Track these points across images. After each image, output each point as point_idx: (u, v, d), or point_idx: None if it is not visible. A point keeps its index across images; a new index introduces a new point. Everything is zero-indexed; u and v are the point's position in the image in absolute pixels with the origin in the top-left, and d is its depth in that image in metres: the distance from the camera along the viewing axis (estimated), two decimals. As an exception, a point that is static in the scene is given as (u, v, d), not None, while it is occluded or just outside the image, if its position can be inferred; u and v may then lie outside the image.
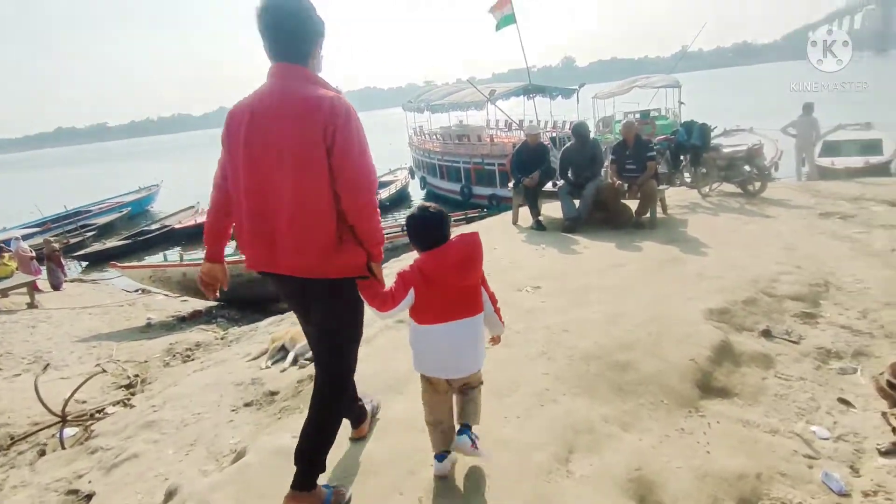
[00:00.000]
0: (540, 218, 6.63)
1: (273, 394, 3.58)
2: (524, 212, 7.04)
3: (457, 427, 2.08)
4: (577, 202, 6.53)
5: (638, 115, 19.07)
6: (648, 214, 6.27)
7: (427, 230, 2.02)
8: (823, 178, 11.97)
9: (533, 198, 6.64)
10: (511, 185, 7.06)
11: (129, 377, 5.21)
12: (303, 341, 4.19)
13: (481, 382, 2.15)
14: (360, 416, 2.41)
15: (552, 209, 7.07)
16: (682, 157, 8.41)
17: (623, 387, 2.72)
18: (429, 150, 20.03)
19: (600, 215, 6.60)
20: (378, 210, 1.95)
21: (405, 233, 2.27)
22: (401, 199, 21.05)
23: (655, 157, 6.50)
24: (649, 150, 6.34)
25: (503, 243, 6.00)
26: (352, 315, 2.06)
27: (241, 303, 9.07)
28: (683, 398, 2.68)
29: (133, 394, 4.69)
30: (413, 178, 22.56)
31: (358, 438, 2.42)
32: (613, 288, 4.10)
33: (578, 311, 3.63)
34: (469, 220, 11.81)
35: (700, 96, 21.37)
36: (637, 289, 4.04)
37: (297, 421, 3.03)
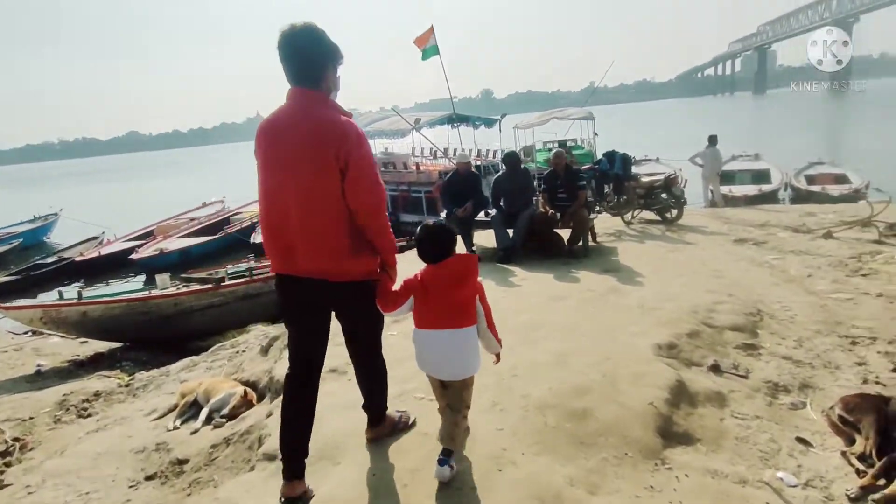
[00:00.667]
0: (473, 248, 6.40)
1: (181, 462, 3.03)
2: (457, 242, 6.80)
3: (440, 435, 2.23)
4: (510, 232, 6.36)
5: (556, 145, 19.66)
6: (581, 243, 6.20)
7: (433, 245, 2.19)
8: (726, 205, 12.71)
9: (466, 228, 6.40)
10: (443, 215, 6.80)
11: (5, 442, 4.35)
12: (219, 394, 3.65)
13: (467, 406, 2.27)
14: (381, 415, 2.51)
15: (485, 238, 6.87)
16: (605, 186, 8.53)
17: (584, 439, 2.45)
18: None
19: (534, 245, 6.46)
20: (389, 224, 2.19)
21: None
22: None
23: (586, 187, 6.48)
24: (580, 179, 6.31)
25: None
26: (369, 312, 2.26)
27: (151, 343, 8.18)
28: (647, 448, 2.44)
29: (8, 465, 3.88)
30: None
31: (372, 439, 2.49)
32: (558, 324, 3.87)
33: (526, 351, 3.36)
34: (399, 250, 11.42)
35: (610, 128, 22.35)
36: (582, 324, 3.84)
37: (208, 499, 2.53)
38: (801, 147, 27.87)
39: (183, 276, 9.24)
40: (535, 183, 7.80)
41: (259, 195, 2.13)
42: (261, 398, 3.68)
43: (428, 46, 14.82)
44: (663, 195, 8.51)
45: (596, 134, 18.67)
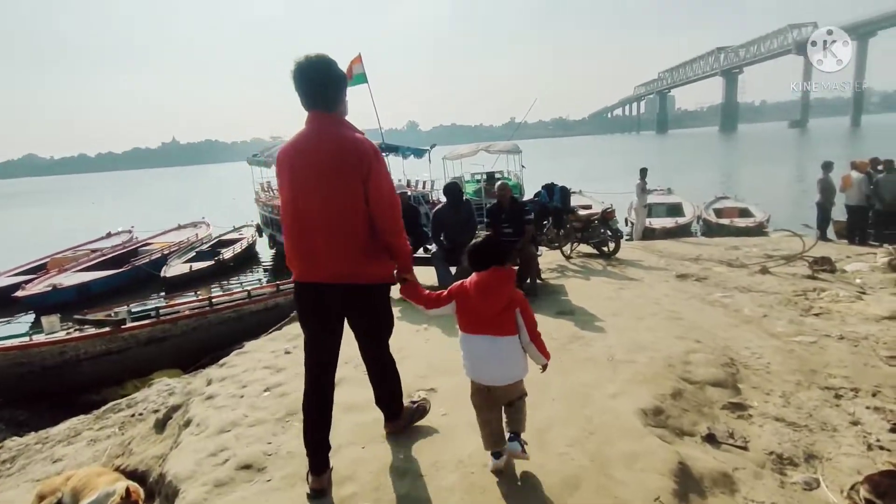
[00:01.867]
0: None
1: None
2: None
3: (507, 434, 2.30)
4: (453, 269, 5.75)
5: (484, 177, 19.51)
6: (529, 282, 5.68)
7: (480, 256, 2.28)
8: (648, 238, 12.85)
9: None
10: None
11: None
12: (91, 494, 2.70)
13: (525, 394, 2.35)
14: (396, 411, 2.63)
15: (424, 275, 6.22)
16: (546, 220, 8.16)
17: (589, 564, 1.82)
18: (277, 207, 18.44)
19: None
20: (403, 229, 2.33)
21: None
22: (248, 258, 18.94)
23: (533, 221, 6.01)
24: (526, 212, 5.83)
25: (375, 320, 4.96)
26: (386, 314, 2.44)
27: (31, 397, 6.84)
28: (668, 569, 1.84)
29: None
30: (261, 235, 20.56)
31: (391, 433, 2.63)
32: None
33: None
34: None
35: (533, 161, 22.66)
36: (551, 383, 3.23)
37: None
38: (701, 182, 29.75)
39: (77, 317, 7.89)
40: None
41: (285, 208, 2.25)
42: (150, 496, 2.78)
43: (355, 74, 14.21)
44: (601, 229, 8.27)
45: (523, 167, 18.76)
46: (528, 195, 11.84)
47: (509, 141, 19.99)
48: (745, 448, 2.69)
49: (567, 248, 8.02)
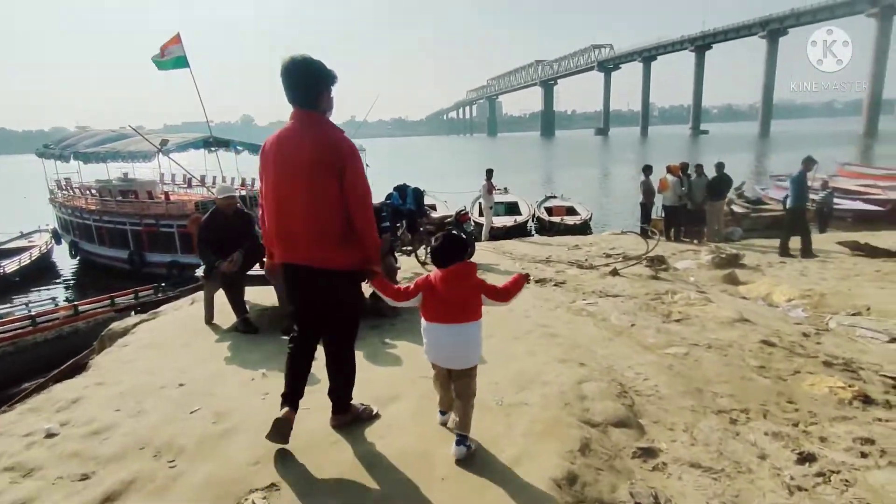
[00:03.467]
0: (248, 315, 4.51)
1: None
2: (223, 305, 4.78)
3: (455, 435, 2.40)
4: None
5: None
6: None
7: (446, 253, 2.40)
8: (494, 237, 12.85)
9: (236, 288, 4.48)
10: (200, 270, 4.74)
11: None
12: None
13: (473, 392, 2.44)
14: (346, 405, 2.68)
15: (262, 296, 5.04)
16: (398, 224, 7.38)
17: None
18: (81, 209, 15.11)
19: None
20: (374, 223, 2.46)
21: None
22: (41, 270, 15.33)
23: (390, 228, 5.16)
24: (381, 218, 4.96)
25: (193, 368, 3.70)
26: (355, 296, 2.58)
27: None
28: None
29: None
30: (59, 243, 16.84)
31: (336, 426, 2.65)
32: (400, 457, 2.41)
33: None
34: (142, 305, 8.53)
35: (377, 160, 21.87)
36: (436, 452, 2.43)
37: None
38: (529, 182, 31.72)
39: None
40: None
41: (267, 197, 2.42)
42: None
43: (170, 58, 11.99)
44: (454, 232, 7.75)
45: (368, 165, 17.83)
46: (377, 197, 10.99)
47: (353, 139, 18.90)
48: (675, 517, 2.16)
49: (421, 254, 7.35)
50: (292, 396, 2.50)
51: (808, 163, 8.99)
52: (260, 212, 2.56)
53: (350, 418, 2.68)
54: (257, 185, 12.21)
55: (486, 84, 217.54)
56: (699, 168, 10.75)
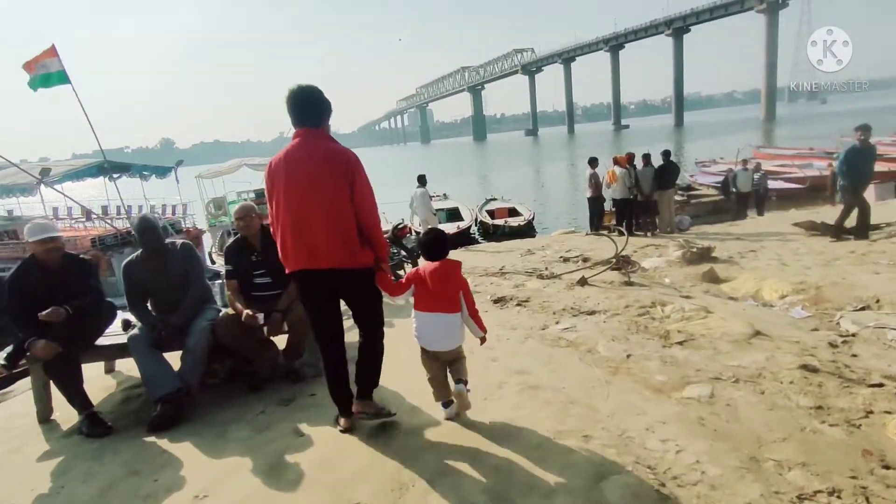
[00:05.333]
0: (94, 409, 3.05)
1: None
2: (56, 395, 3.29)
3: (454, 382, 2.68)
4: (174, 361, 3.30)
5: (253, 195, 16.49)
6: (306, 354, 3.55)
7: (433, 247, 2.64)
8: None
9: (68, 371, 3.01)
10: (5, 353, 3.21)
11: None
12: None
13: (463, 356, 2.72)
14: (369, 389, 2.70)
15: (123, 368, 3.60)
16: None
17: None
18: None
19: (224, 371, 3.55)
20: (381, 225, 2.62)
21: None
22: None
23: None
24: None
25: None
26: (376, 290, 2.64)
27: None
28: None
29: None
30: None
31: (359, 412, 2.67)
32: None
33: None
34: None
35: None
36: None
37: None
38: (466, 186, 30.92)
39: None
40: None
41: (281, 210, 2.45)
42: None
43: (41, 73, 10.01)
44: (393, 249, 6.54)
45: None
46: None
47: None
48: None
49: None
50: (346, 406, 2.68)
51: (866, 130, 7.17)
52: (272, 230, 2.59)
53: (373, 408, 2.69)
54: (178, 210, 10.29)
55: (415, 92, 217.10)
56: (646, 157, 10.04)
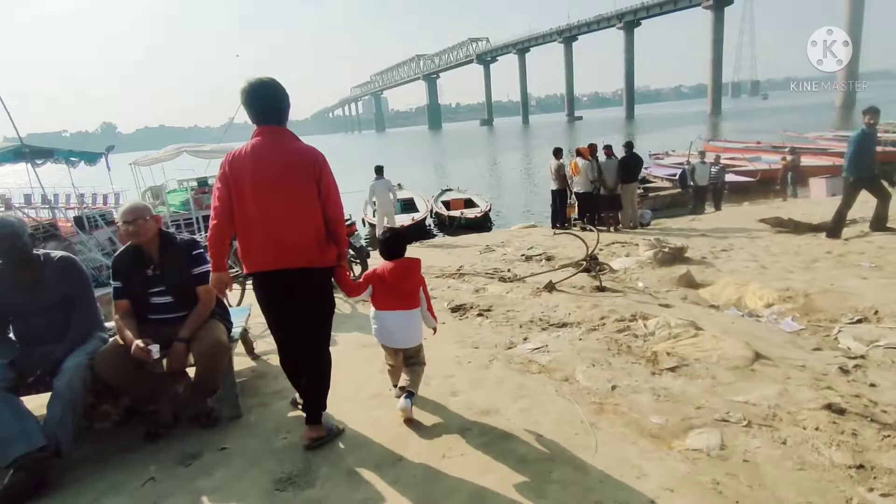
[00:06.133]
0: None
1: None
2: None
3: (401, 393, 2.65)
4: (32, 411, 2.47)
5: (195, 184, 15.18)
6: (222, 390, 2.76)
7: (392, 247, 2.71)
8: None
9: None
10: None
11: None
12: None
13: (423, 363, 2.81)
14: (319, 413, 2.57)
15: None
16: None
17: None
18: None
19: (117, 413, 2.74)
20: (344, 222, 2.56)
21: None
22: None
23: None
24: (196, 258, 2.82)
25: None
26: (331, 292, 2.57)
27: None
28: None
29: None
30: None
31: (315, 439, 2.53)
32: None
33: None
34: None
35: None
36: None
37: None
38: (420, 175, 30.08)
39: None
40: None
41: (244, 208, 2.36)
42: None
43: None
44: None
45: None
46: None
47: (221, 142, 15.88)
48: None
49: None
50: (315, 413, 2.56)
51: (874, 114, 6.45)
52: (213, 223, 2.38)
53: (325, 432, 2.58)
54: (110, 200, 9.11)
55: (369, 80, 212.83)
56: (608, 149, 9.58)
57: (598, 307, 4.31)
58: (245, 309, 3.69)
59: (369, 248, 6.70)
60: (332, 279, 2.57)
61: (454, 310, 4.61)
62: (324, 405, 2.58)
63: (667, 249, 5.92)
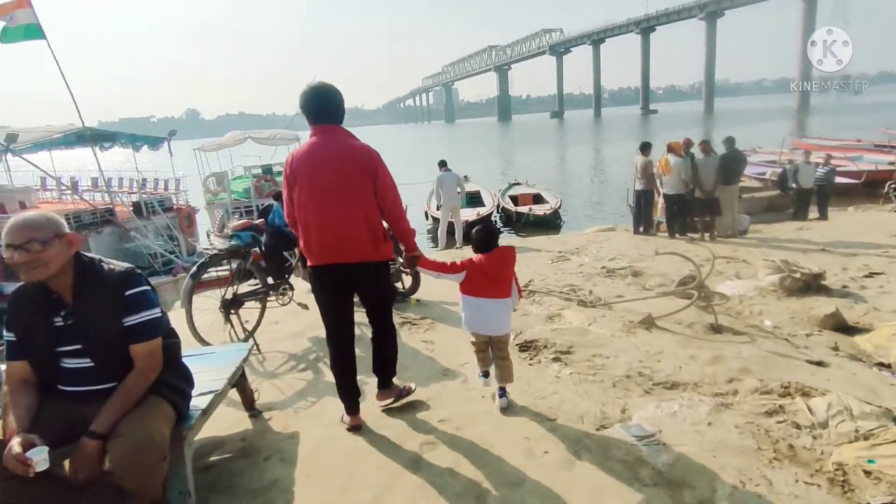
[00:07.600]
0: None
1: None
2: None
3: (497, 388, 2.71)
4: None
5: (260, 171, 14.85)
6: (172, 492, 1.86)
7: (487, 240, 2.65)
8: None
9: None
10: None
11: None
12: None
13: (510, 358, 2.71)
14: (388, 379, 2.77)
15: None
16: (285, 254, 4.37)
17: None
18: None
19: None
20: (406, 216, 2.59)
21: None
22: None
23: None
24: (130, 301, 1.75)
25: None
26: (390, 285, 2.86)
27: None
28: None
29: None
30: None
31: (384, 403, 2.75)
32: None
33: None
34: None
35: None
36: None
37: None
38: (489, 168, 28.77)
39: None
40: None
41: (305, 205, 2.41)
42: None
43: (15, 26, 8.47)
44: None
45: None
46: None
47: (288, 129, 15.45)
48: None
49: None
50: (353, 403, 2.61)
51: None
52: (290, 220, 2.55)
53: (395, 395, 2.76)
54: (170, 186, 8.73)
55: (441, 71, 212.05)
56: (705, 145, 8.02)
57: (720, 360, 3.08)
58: (243, 348, 2.78)
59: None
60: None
61: (523, 348, 3.53)
62: (394, 371, 2.78)
63: (798, 275, 4.51)
